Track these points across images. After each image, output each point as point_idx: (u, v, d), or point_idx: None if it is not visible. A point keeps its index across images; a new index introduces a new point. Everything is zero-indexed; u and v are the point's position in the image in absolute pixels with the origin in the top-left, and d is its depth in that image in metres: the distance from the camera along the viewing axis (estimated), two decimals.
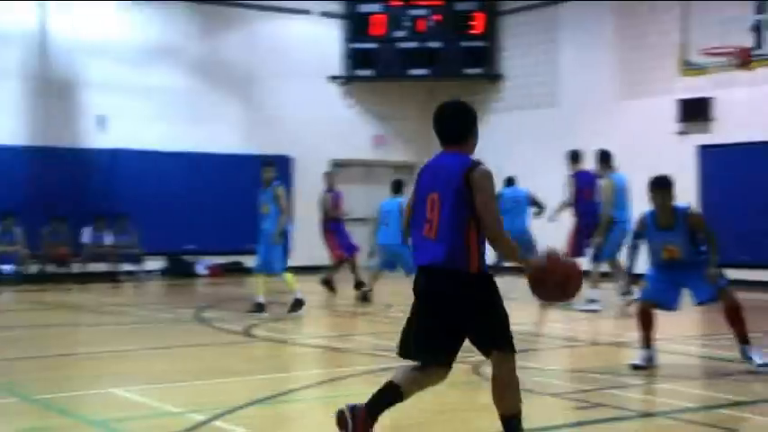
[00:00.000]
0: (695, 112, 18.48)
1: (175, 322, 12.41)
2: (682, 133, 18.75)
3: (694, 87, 18.43)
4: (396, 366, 5.70)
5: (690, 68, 15.99)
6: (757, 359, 8.11)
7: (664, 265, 8.37)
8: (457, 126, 5.35)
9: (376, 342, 10.43)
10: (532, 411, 6.95)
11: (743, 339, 8.20)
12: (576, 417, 6.63)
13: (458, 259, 5.13)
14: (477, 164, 5.21)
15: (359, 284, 15.16)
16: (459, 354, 5.34)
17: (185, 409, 6.72)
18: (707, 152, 17.99)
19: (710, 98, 18.24)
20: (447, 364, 5.38)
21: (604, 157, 13.64)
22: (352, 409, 5.23)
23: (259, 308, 12.62)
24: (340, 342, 10.93)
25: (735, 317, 8.18)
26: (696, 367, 8.87)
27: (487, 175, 5.16)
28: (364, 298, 14.36)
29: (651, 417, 6.61)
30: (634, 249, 8.76)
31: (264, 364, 9.24)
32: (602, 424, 6.40)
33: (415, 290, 5.36)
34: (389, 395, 5.33)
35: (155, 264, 20.10)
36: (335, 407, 5.32)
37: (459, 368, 8.33)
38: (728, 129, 18.02)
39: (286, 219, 12.89)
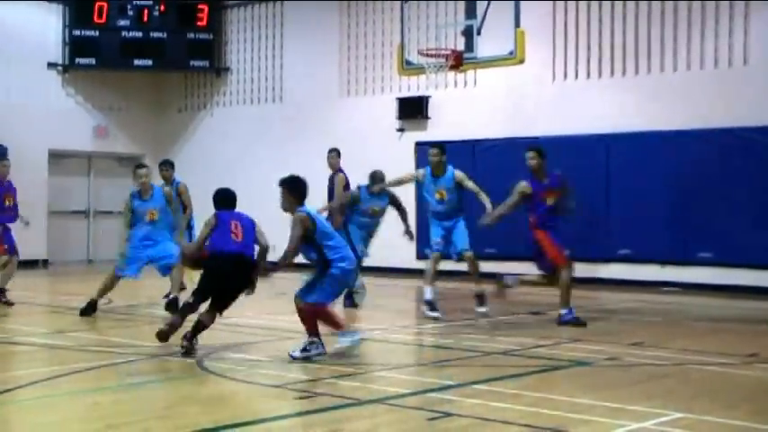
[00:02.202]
0: (413, 110, 19.42)
1: None
2: (400, 130, 19.63)
3: (412, 87, 19.36)
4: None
5: (408, 68, 16.72)
6: (294, 353, 8.61)
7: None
8: (233, 200, 9.52)
9: (99, 338, 10.31)
10: (255, 403, 7.15)
11: (311, 333, 8.68)
12: (297, 407, 6.87)
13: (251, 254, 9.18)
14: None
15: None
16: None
17: None
18: (423, 149, 18.86)
19: (427, 97, 19.21)
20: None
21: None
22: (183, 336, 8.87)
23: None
24: (60, 339, 10.64)
25: (306, 317, 8.74)
26: (407, 354, 9.36)
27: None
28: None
29: (370, 404, 6.95)
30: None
31: None
32: (323, 413, 6.66)
33: (221, 267, 8.96)
34: (198, 327, 8.93)
35: None
36: (53, 407, 5.25)
37: (185, 363, 8.40)
38: (441, 126, 19.05)
39: None
